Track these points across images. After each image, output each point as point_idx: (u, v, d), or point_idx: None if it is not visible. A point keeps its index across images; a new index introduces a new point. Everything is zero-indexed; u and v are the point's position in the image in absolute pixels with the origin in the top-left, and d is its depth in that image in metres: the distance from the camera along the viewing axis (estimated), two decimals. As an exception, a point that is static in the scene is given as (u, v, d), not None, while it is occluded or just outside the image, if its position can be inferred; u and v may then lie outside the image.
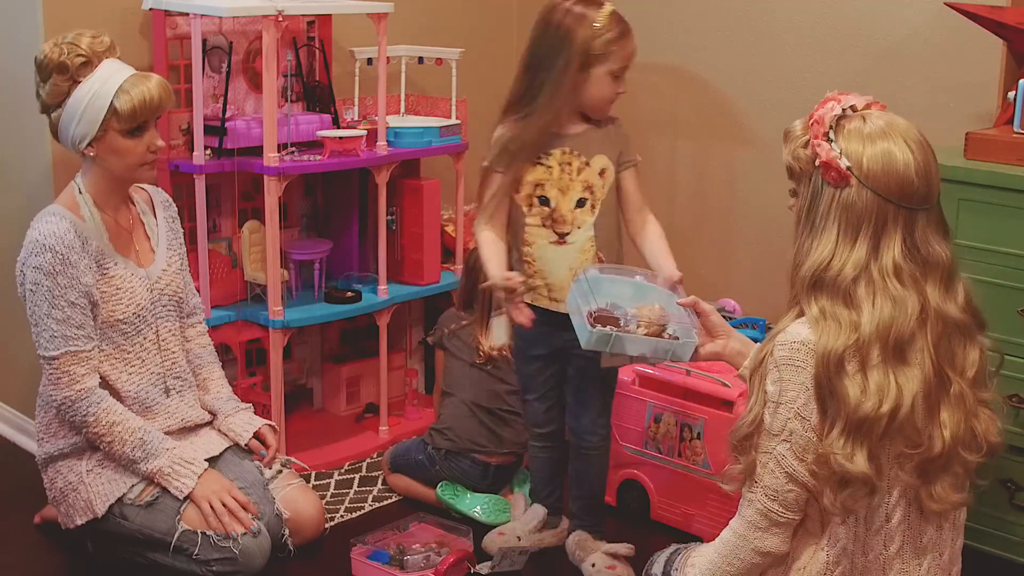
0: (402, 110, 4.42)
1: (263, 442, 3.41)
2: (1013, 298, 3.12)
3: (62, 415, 3.17)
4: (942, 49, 3.81)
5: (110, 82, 3.11)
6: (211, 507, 3.10)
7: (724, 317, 4.25)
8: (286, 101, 3.99)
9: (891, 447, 2.36)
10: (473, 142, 4.29)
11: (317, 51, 4.16)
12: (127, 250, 3.26)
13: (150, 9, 3.77)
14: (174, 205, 3.48)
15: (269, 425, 3.45)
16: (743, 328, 4.10)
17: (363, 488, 3.89)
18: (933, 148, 2.40)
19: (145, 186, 3.40)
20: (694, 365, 3.62)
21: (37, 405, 3.32)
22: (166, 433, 3.25)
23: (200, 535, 3.12)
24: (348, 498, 3.82)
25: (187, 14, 3.72)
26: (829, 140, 2.38)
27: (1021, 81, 3.20)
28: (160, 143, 3.20)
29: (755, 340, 3.94)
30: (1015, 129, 3.20)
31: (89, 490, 3.19)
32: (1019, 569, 3.23)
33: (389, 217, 4.18)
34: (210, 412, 3.44)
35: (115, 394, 3.20)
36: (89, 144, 3.13)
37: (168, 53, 3.82)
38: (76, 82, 3.12)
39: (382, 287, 4.09)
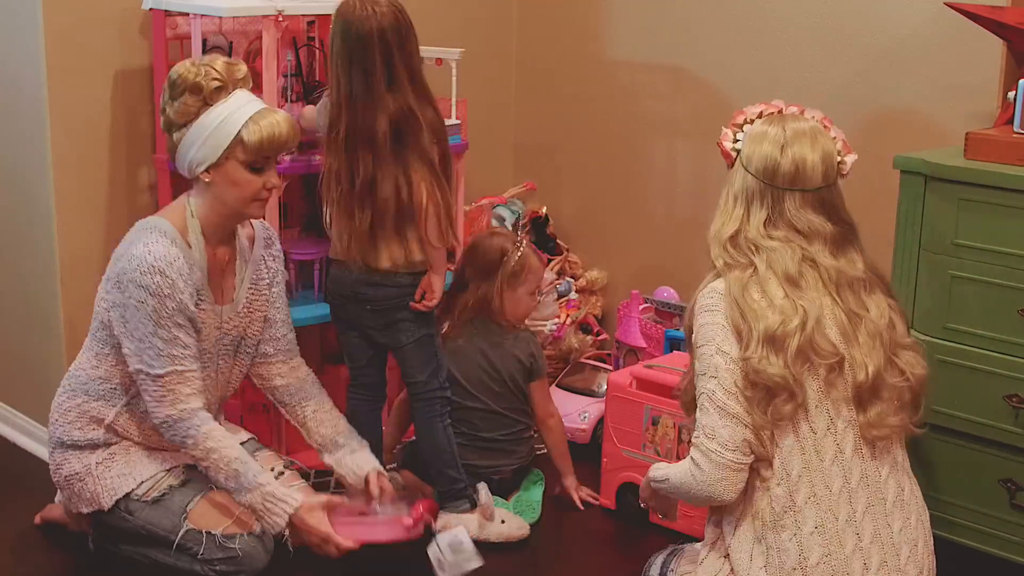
0: (402, 110, 4.41)
1: (368, 486, 3.42)
2: (1013, 298, 3.11)
3: (162, 432, 3.16)
4: (942, 49, 3.81)
5: (241, 111, 3.09)
6: (327, 552, 3.18)
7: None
8: (286, 101, 3.99)
9: (813, 367, 2.68)
10: (473, 142, 4.29)
11: (317, 51, 4.16)
12: (215, 285, 3.26)
13: (150, 9, 3.77)
14: (278, 243, 3.47)
15: (379, 472, 3.46)
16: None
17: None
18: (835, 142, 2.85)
19: (253, 221, 3.39)
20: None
21: (63, 388, 3.30)
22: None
23: (205, 535, 3.12)
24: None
25: (187, 14, 3.72)
26: (737, 129, 2.89)
27: (1021, 81, 3.20)
28: (276, 181, 3.19)
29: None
30: (1015, 129, 3.20)
31: (97, 483, 3.19)
32: (1019, 570, 3.23)
33: (389, 217, 4.17)
34: (320, 446, 3.49)
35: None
36: (207, 170, 3.11)
37: (168, 53, 3.82)
38: (208, 104, 3.09)
39: (382, 287, 4.08)
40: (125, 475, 3.18)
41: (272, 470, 3.37)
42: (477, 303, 3.82)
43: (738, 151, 2.86)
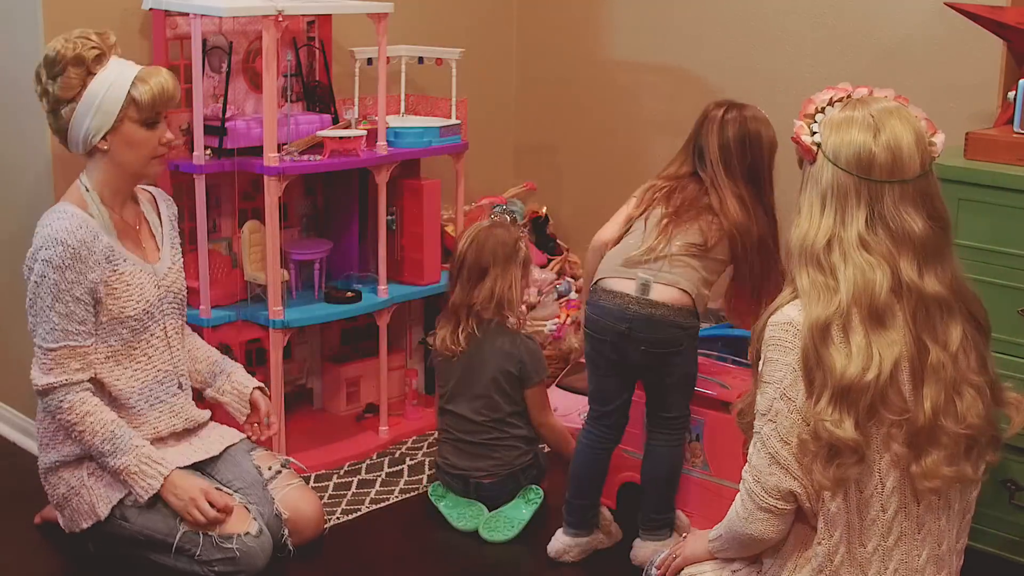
0: (402, 110, 4.42)
1: (255, 408, 3.49)
2: (1013, 298, 3.12)
3: (39, 399, 3.19)
4: (942, 49, 3.81)
5: (126, 73, 3.14)
6: (195, 519, 3.12)
7: (723, 317, 4.27)
8: (286, 101, 3.99)
9: (879, 421, 2.40)
10: (473, 142, 4.29)
11: (317, 51, 4.16)
12: (135, 247, 3.27)
13: (150, 9, 3.77)
14: (174, 205, 3.49)
15: (260, 388, 3.52)
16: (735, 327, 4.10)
17: (360, 491, 3.88)
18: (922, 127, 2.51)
19: (146, 187, 3.40)
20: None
21: (38, 412, 3.32)
22: (172, 432, 3.26)
23: (201, 536, 3.12)
24: (345, 500, 3.82)
25: (187, 14, 3.72)
26: (811, 119, 2.54)
27: (1021, 81, 3.20)
28: (170, 136, 3.24)
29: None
30: (1015, 129, 3.20)
31: (91, 493, 3.19)
32: (1018, 568, 3.23)
33: (389, 217, 4.18)
34: (202, 383, 3.49)
35: (119, 392, 3.20)
36: (103, 137, 3.14)
37: (168, 53, 3.82)
38: (92, 74, 3.14)
39: (382, 287, 4.09)
40: (117, 482, 3.18)
41: (269, 468, 3.37)
42: (496, 297, 3.72)
43: (818, 144, 2.50)
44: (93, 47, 3.13)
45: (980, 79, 3.66)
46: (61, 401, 3.13)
